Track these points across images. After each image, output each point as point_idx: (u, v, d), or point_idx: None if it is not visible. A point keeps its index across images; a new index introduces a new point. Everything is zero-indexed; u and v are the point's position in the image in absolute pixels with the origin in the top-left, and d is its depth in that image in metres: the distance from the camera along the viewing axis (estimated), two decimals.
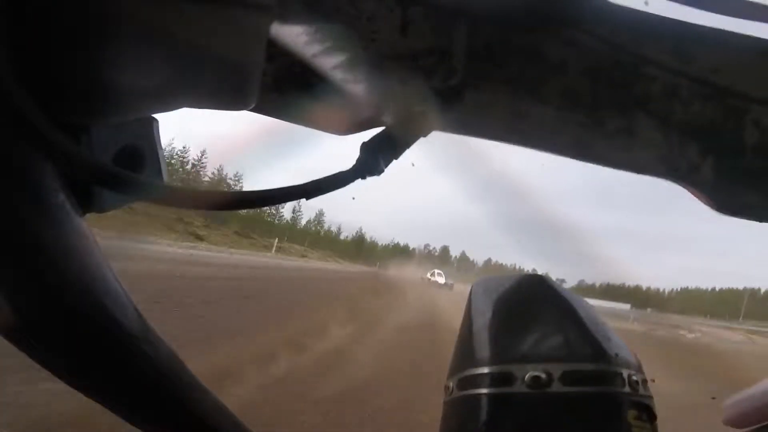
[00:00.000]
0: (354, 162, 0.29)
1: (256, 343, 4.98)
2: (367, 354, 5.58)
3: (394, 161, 0.31)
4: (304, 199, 0.28)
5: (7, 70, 0.19)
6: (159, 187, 0.26)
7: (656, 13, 0.36)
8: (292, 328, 6.17)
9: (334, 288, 15.55)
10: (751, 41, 0.36)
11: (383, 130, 0.31)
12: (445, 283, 37.10)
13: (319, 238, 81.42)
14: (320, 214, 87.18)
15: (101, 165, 0.23)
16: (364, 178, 0.29)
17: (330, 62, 0.35)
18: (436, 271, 40.92)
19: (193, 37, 0.25)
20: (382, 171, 0.30)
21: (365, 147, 0.30)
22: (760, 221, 0.38)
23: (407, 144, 0.31)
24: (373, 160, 0.29)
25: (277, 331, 5.82)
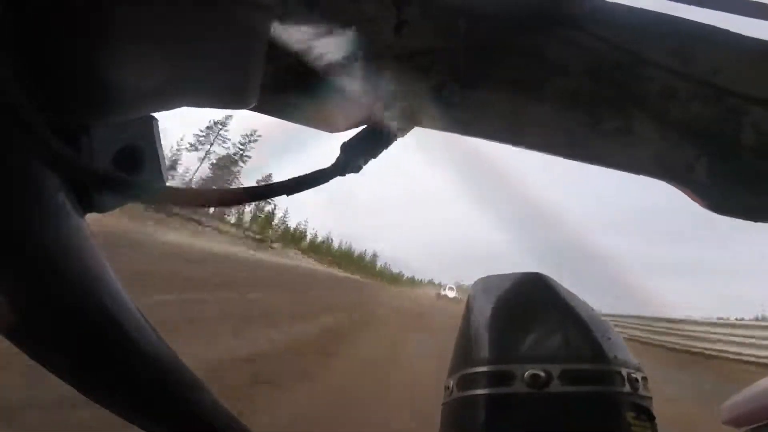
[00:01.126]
0: (334, 160, 0.30)
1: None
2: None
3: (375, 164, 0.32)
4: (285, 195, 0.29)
5: (8, 74, 0.19)
6: (155, 187, 0.27)
7: (657, 11, 0.36)
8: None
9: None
10: (752, 42, 0.36)
11: (363, 129, 0.32)
12: (454, 297, 46.89)
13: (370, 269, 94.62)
14: (375, 255, 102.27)
15: (99, 170, 0.23)
16: (343, 175, 0.30)
17: (330, 62, 0.35)
18: (448, 285, 53.21)
19: (193, 36, 0.25)
20: (361, 168, 0.31)
21: (345, 146, 0.31)
22: (755, 221, 0.38)
23: (387, 143, 0.32)
24: (352, 158, 0.30)
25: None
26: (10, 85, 0.19)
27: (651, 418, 0.30)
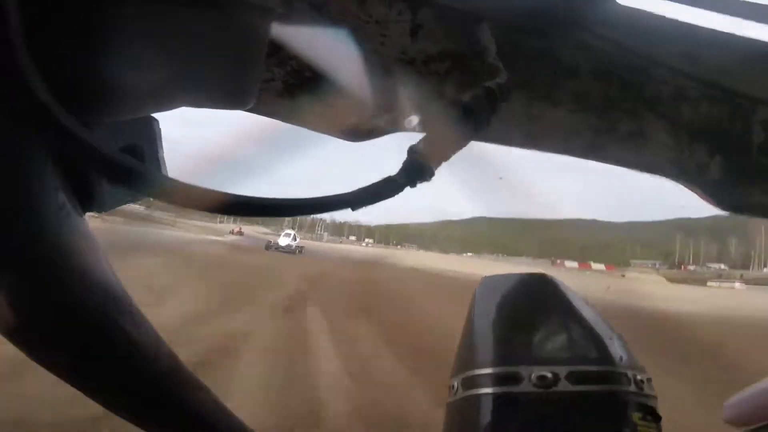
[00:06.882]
0: (401, 166, 0.26)
1: None
2: None
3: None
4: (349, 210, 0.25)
5: (21, 46, 0.19)
6: (172, 183, 0.22)
7: (665, 15, 0.36)
8: None
9: None
10: (757, 44, 0.36)
11: (426, 135, 0.28)
12: (287, 246, 24.64)
13: None
14: None
15: (112, 154, 0.22)
16: (413, 185, 0.26)
17: (340, 66, 0.35)
18: (285, 231, 28.34)
19: (192, 36, 0.25)
20: (433, 175, 0.27)
21: (413, 149, 0.26)
22: (766, 217, 0.39)
23: (454, 148, 0.28)
24: (422, 164, 0.26)
25: None
26: (24, 63, 0.18)
27: (657, 418, 0.29)
